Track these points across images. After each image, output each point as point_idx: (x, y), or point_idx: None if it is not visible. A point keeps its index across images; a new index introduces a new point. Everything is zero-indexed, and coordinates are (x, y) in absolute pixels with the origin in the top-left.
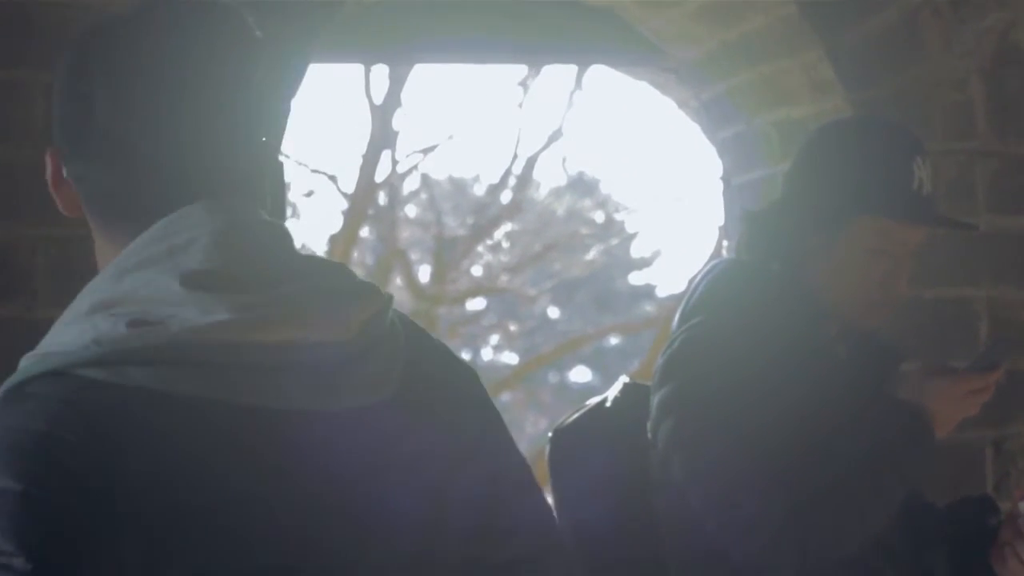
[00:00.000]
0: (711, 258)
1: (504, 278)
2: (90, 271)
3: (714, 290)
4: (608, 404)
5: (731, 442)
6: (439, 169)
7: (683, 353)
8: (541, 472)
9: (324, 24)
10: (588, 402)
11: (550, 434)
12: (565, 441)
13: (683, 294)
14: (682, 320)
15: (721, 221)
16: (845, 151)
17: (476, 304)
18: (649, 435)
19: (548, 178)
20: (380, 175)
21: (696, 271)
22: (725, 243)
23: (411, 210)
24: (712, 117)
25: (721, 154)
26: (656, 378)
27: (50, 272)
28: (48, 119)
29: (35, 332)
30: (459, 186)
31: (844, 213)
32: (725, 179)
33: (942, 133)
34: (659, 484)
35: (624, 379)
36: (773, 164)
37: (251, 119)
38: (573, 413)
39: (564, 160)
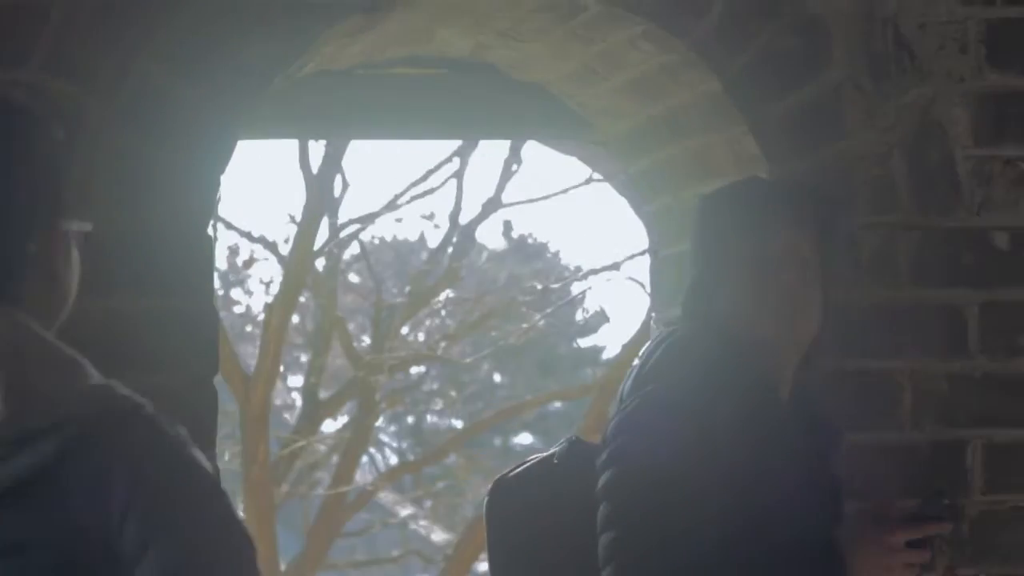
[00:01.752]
0: (644, 324)
1: (443, 345)
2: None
3: (668, 359)
4: (551, 458)
5: (642, 527)
6: (384, 233)
7: (635, 417)
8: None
9: (251, 101)
10: (531, 457)
11: (490, 486)
12: (504, 492)
13: (634, 362)
14: (636, 386)
15: (649, 291)
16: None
17: (418, 370)
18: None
19: (492, 242)
20: (319, 243)
21: (649, 341)
22: (653, 314)
23: (353, 277)
24: (640, 190)
25: (649, 227)
26: (605, 439)
27: None
28: None
29: None
30: (402, 251)
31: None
32: (652, 251)
33: (865, 207)
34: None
35: (572, 436)
36: None
37: None
38: (516, 467)
39: (508, 225)
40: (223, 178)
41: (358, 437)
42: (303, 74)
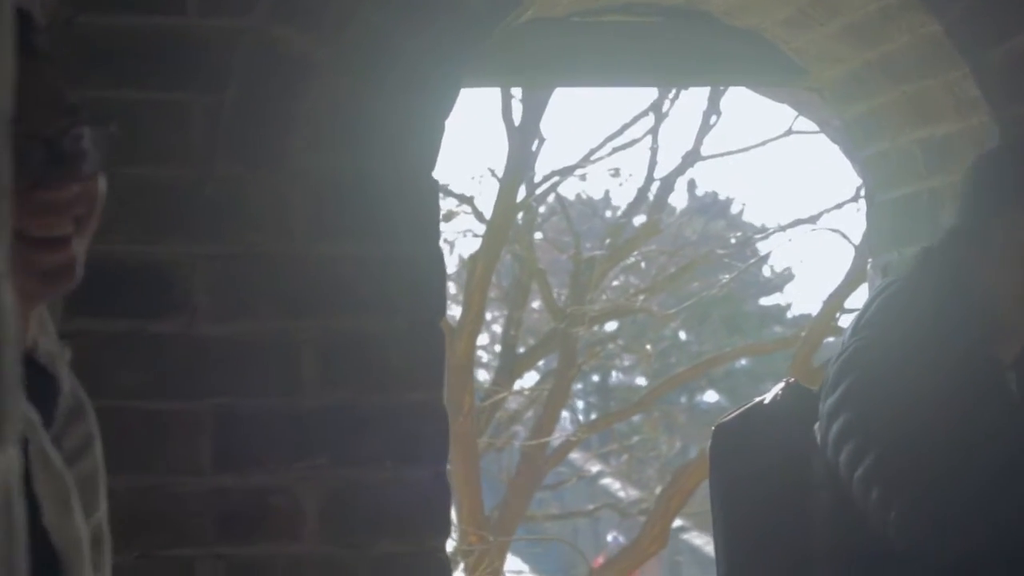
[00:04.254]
0: (848, 276)
1: (641, 299)
2: (249, 288)
3: (888, 306)
4: (767, 402)
5: (901, 439)
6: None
7: (856, 359)
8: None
9: (474, 48)
10: (751, 401)
11: (712, 428)
12: (725, 436)
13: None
14: (854, 332)
15: (863, 239)
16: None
17: (608, 326)
18: (817, 437)
19: (678, 200)
20: (518, 197)
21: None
22: (869, 260)
23: (542, 232)
24: (855, 136)
25: (864, 173)
26: (828, 382)
27: (210, 289)
28: (209, 140)
29: (195, 349)
30: (591, 208)
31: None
32: (869, 197)
33: None
34: (820, 484)
35: (788, 380)
36: (918, 182)
37: None
38: (735, 410)
39: (692, 183)
40: (447, 124)
41: (559, 390)
42: (520, 21)
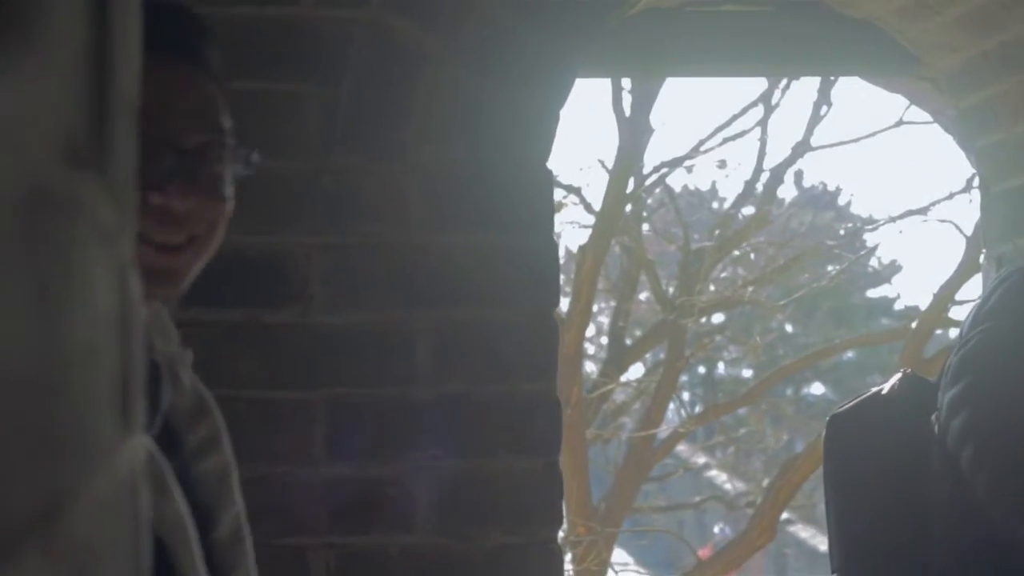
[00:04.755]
0: (959, 268)
1: (750, 290)
2: (365, 278)
3: (1009, 297)
4: (884, 393)
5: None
6: (677, 183)
7: (979, 351)
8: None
9: (589, 38)
10: (867, 391)
11: (827, 418)
12: (840, 426)
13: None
14: (974, 324)
15: (977, 229)
16: None
17: (715, 318)
18: (936, 428)
19: (785, 192)
20: (627, 188)
21: (992, 279)
22: (984, 251)
23: (651, 224)
24: (969, 126)
25: (978, 163)
26: (949, 375)
27: (325, 279)
28: (325, 131)
29: (310, 339)
30: (698, 199)
31: None
32: (983, 188)
33: None
34: (939, 475)
35: (905, 370)
36: None
37: None
38: (850, 401)
39: (799, 174)
40: (561, 114)
41: (667, 381)
42: (633, 12)
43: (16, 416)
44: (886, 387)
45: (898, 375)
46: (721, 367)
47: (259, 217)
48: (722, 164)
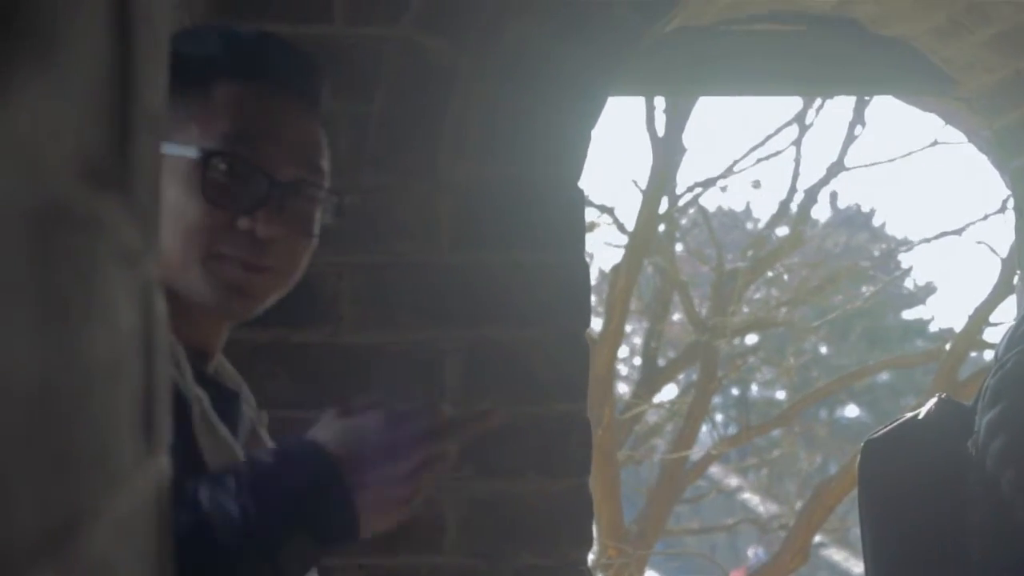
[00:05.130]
0: (994, 289)
1: (783, 311)
2: (395, 297)
3: None
4: (920, 418)
5: None
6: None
7: (1015, 373)
8: (849, 483)
9: (623, 57)
10: (901, 416)
11: (862, 444)
12: (876, 451)
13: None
14: (1010, 345)
15: (1012, 250)
16: None
17: (748, 339)
18: (972, 452)
19: (819, 212)
20: (660, 208)
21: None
22: (1018, 272)
23: (684, 244)
24: (1004, 146)
25: (1013, 183)
26: (986, 397)
27: (355, 298)
28: (356, 149)
29: (340, 357)
30: (731, 220)
31: None
32: (1018, 208)
33: None
34: (977, 499)
35: (941, 395)
36: None
37: None
38: (885, 426)
39: (834, 195)
40: (593, 133)
41: (699, 403)
42: (666, 31)
43: (32, 434)
44: (922, 412)
45: (933, 400)
46: (755, 388)
47: None
48: (756, 184)
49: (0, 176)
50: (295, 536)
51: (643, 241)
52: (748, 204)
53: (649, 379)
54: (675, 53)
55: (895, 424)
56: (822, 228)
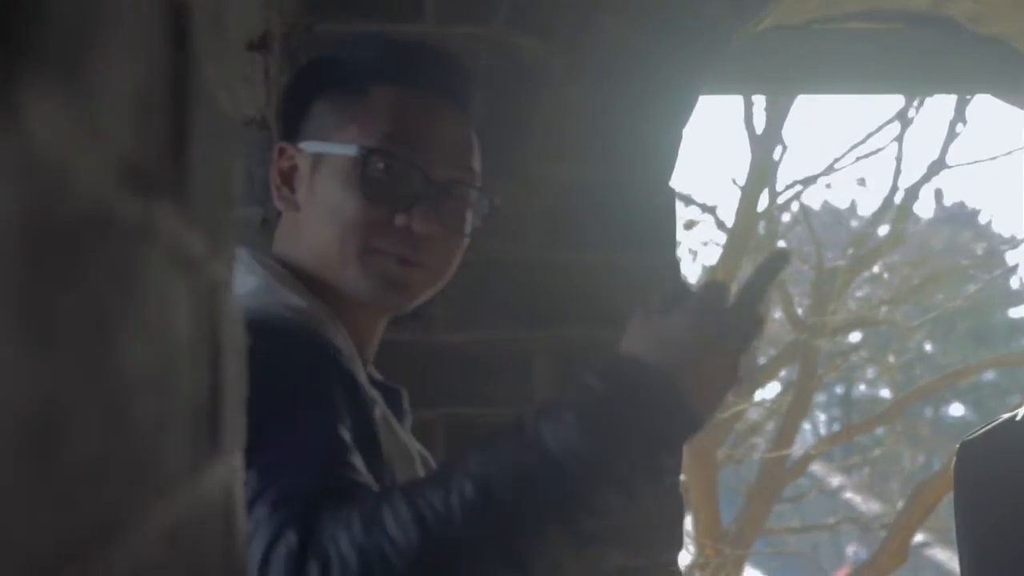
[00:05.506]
0: None
1: (884, 310)
2: (484, 297)
3: None
4: (1018, 419)
5: None
6: (814, 200)
7: None
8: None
9: (712, 56)
10: (998, 417)
11: (958, 446)
12: (972, 453)
13: None
14: None
15: None
16: None
17: (851, 337)
18: None
19: (922, 210)
20: (760, 206)
21: None
22: None
23: (785, 242)
24: None
25: None
26: None
27: (445, 298)
28: None
29: (430, 357)
30: (835, 217)
31: None
32: None
33: None
34: None
35: None
36: None
37: None
38: (982, 427)
39: (939, 193)
40: (685, 132)
41: (799, 401)
42: (760, 28)
43: (65, 444)
44: (1020, 413)
45: None
46: (859, 387)
47: None
48: (861, 182)
49: (14, 187)
50: (646, 455)
51: (741, 239)
52: (853, 202)
53: (750, 377)
54: (769, 52)
55: (992, 425)
56: (926, 225)
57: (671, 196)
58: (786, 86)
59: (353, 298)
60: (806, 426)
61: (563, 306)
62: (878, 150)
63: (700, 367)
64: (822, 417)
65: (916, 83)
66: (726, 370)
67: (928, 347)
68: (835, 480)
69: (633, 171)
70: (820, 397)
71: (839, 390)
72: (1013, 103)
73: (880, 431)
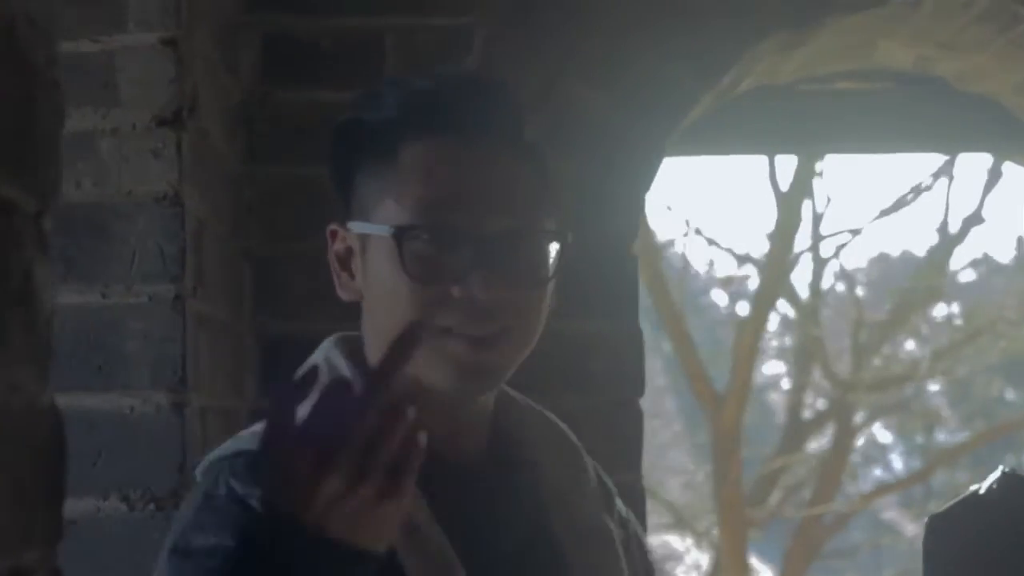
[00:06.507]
0: None
1: (925, 362)
2: None
3: None
4: (982, 493)
5: None
6: (860, 253)
7: None
8: None
9: (677, 118)
10: (966, 491)
11: (926, 520)
12: (939, 528)
13: None
14: None
15: None
16: None
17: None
18: None
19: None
20: (792, 261)
21: None
22: None
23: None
24: None
25: None
26: None
27: None
28: None
29: None
30: (889, 266)
31: None
32: None
33: None
34: None
35: (1004, 469)
36: None
37: None
38: (951, 502)
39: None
40: (648, 197)
41: (836, 457)
42: (741, 89)
43: None
44: (983, 486)
45: (996, 474)
46: (940, 436)
47: None
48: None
49: None
50: None
51: (770, 295)
52: (904, 251)
53: (793, 432)
54: (796, 110)
55: (959, 499)
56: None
57: (633, 262)
58: (779, 146)
59: (431, 389)
60: (883, 475)
61: (524, 373)
62: (905, 202)
63: (323, 494)
64: (897, 466)
65: (910, 142)
66: (365, 482)
67: (1009, 395)
68: (912, 526)
69: (595, 236)
70: (899, 447)
71: (919, 439)
72: (1012, 160)
73: (962, 477)
